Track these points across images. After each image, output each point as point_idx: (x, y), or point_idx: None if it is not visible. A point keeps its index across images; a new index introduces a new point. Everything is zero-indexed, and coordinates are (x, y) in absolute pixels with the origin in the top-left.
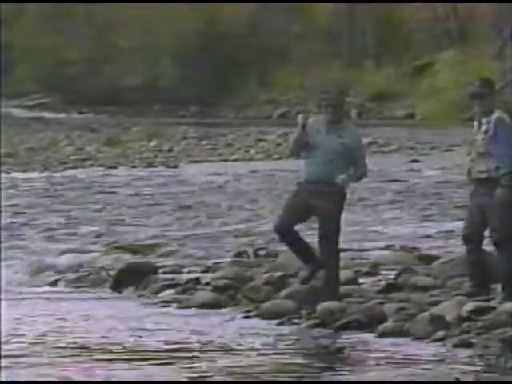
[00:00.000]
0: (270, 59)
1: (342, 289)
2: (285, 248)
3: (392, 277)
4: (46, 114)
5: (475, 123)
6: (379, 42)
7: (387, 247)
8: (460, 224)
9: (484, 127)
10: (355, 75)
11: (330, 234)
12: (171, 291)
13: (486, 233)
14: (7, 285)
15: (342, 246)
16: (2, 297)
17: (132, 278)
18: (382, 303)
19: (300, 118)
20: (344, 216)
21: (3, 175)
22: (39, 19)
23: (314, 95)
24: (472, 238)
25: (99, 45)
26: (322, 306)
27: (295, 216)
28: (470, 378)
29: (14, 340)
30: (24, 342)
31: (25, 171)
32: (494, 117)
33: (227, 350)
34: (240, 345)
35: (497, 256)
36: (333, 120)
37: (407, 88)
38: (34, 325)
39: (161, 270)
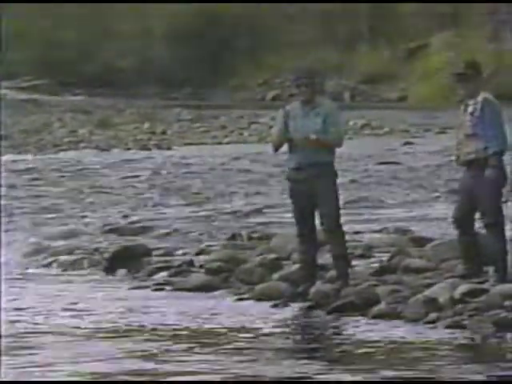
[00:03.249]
0: (263, 42)
1: (334, 272)
2: (278, 231)
3: (385, 259)
4: (39, 96)
5: (462, 106)
6: (373, 25)
7: (381, 230)
8: (452, 206)
9: (470, 109)
10: (349, 58)
11: (334, 214)
12: (164, 274)
13: (477, 215)
14: (4, 265)
15: None
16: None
17: (125, 261)
18: (376, 285)
19: (280, 114)
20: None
21: None
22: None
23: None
24: (463, 220)
25: (92, 28)
26: (316, 289)
27: (304, 204)
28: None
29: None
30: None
31: (18, 153)
32: (480, 98)
33: (220, 332)
34: (233, 326)
35: (488, 238)
36: (307, 99)
37: (400, 71)
38: (27, 305)
39: (154, 253)
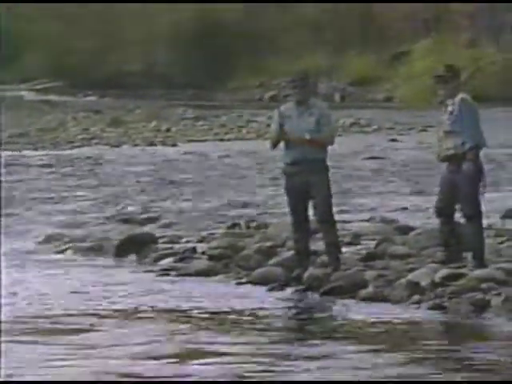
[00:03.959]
0: (261, 47)
1: (326, 258)
2: (274, 220)
3: (372, 246)
4: (54, 98)
5: (442, 105)
6: (361, 32)
7: (368, 219)
8: (434, 198)
9: (449, 108)
10: (339, 62)
11: (326, 205)
12: (170, 260)
13: (457, 206)
14: (21, 253)
15: None
16: (17, 263)
17: (133, 248)
18: (363, 270)
19: (276, 114)
20: None
21: (15, 153)
22: (47, 11)
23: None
24: (444, 210)
25: (103, 35)
26: (309, 273)
27: (298, 196)
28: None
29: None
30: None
31: (35, 149)
32: (458, 99)
33: (220, 313)
34: (231, 308)
35: (467, 227)
36: (300, 100)
37: (386, 74)
38: (43, 288)
39: (160, 240)
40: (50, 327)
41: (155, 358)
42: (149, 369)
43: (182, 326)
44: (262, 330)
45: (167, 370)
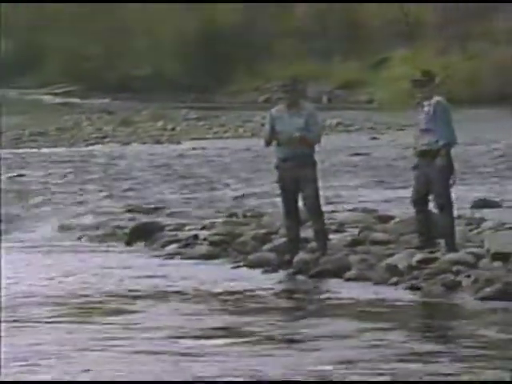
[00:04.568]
0: (257, 55)
1: (315, 244)
2: (269, 210)
3: (355, 233)
4: (71, 100)
5: (419, 107)
6: (346, 41)
7: (351, 209)
8: (410, 190)
9: (425, 109)
10: (325, 68)
11: (314, 197)
12: (175, 245)
13: (431, 197)
14: (41, 239)
15: None
16: (38, 249)
17: (142, 235)
18: (348, 255)
19: (268, 117)
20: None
21: (34, 150)
22: (65, 22)
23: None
24: (419, 201)
25: (115, 43)
26: (299, 257)
27: (289, 188)
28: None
29: (46, 283)
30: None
31: (54, 147)
32: (433, 101)
33: (220, 293)
34: (230, 288)
35: (439, 216)
36: (290, 103)
37: (368, 78)
38: (62, 271)
39: (166, 228)
40: (81, 308)
41: (188, 337)
42: (184, 347)
43: (196, 306)
44: (259, 308)
45: (200, 347)
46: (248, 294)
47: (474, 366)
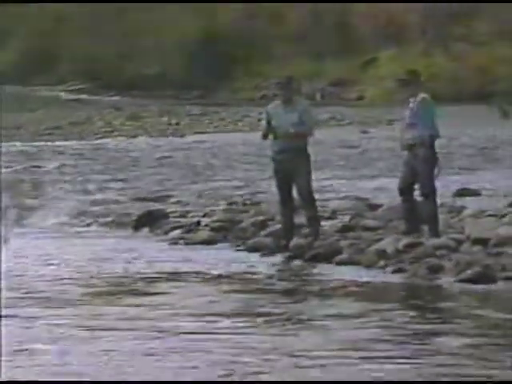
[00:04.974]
0: (255, 55)
1: (308, 230)
2: (266, 198)
3: (347, 220)
4: (84, 97)
5: (405, 103)
6: (337, 42)
7: (343, 197)
8: (397, 180)
9: (411, 105)
10: (319, 67)
11: (307, 186)
12: (178, 231)
13: (416, 186)
14: (54, 225)
15: None
16: (53, 234)
17: (148, 222)
18: (339, 240)
19: (264, 114)
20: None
21: (49, 143)
22: (79, 25)
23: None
24: (405, 190)
25: (124, 44)
26: (294, 242)
27: (284, 178)
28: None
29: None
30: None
31: (66, 140)
32: (418, 97)
33: (220, 276)
34: (230, 271)
35: (424, 204)
36: (285, 99)
37: (358, 77)
38: (74, 254)
39: (170, 215)
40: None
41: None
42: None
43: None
44: (258, 289)
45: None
46: (248, 276)
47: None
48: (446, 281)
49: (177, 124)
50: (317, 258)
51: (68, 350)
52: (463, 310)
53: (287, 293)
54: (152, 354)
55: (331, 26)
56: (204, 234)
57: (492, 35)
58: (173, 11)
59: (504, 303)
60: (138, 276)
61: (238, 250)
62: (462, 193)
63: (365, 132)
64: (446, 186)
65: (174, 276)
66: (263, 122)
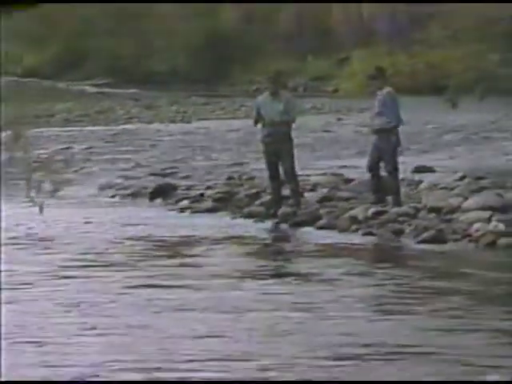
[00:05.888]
0: (250, 54)
1: (291, 200)
2: (258, 174)
3: (325, 192)
4: (107, 90)
5: (374, 95)
6: (317, 42)
7: (322, 173)
8: (366, 159)
9: (379, 97)
10: (301, 64)
11: (290, 165)
12: (186, 202)
13: (382, 164)
14: (85, 197)
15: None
16: (81, 204)
17: (161, 194)
18: (319, 209)
19: (255, 105)
20: (296, 154)
21: (79, 128)
22: (103, 28)
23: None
24: (373, 167)
25: (141, 45)
26: (281, 211)
27: (272, 158)
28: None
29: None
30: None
31: (93, 125)
32: (385, 90)
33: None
34: (229, 234)
35: (388, 179)
36: (272, 91)
37: (334, 73)
38: (100, 220)
39: (179, 188)
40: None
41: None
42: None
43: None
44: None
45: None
46: (246, 240)
47: None
48: (406, 242)
49: (184, 112)
50: (300, 224)
51: None
52: (420, 262)
53: (279, 253)
54: None
55: (313, 29)
56: (208, 204)
57: (445, 38)
58: (181, 16)
59: (452, 259)
60: (147, 238)
61: (234, 218)
62: (419, 169)
63: (340, 119)
64: (406, 163)
65: (181, 238)
66: (254, 112)
